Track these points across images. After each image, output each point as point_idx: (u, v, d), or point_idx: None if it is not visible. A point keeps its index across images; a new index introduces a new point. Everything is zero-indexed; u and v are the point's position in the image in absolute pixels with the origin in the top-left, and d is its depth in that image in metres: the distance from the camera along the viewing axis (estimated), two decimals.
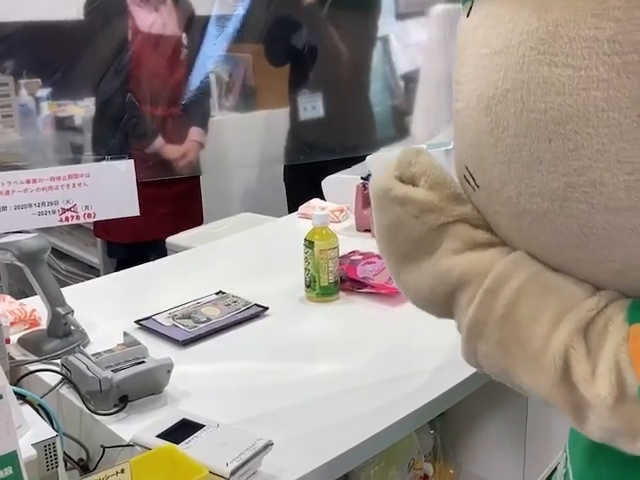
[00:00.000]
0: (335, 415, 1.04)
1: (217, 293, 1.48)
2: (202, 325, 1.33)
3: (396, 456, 1.23)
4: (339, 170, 2.36)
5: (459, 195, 0.68)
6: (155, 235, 2.34)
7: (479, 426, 1.48)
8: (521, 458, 1.42)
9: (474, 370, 1.13)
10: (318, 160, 2.27)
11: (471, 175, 0.65)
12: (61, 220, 0.97)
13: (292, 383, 1.15)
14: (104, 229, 2.58)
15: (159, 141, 2.25)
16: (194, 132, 2.37)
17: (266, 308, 1.40)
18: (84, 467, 1.05)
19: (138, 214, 1.00)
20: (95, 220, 1.04)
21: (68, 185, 0.94)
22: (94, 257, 2.91)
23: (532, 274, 0.62)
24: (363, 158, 2.24)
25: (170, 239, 2.13)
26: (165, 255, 2.00)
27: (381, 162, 0.73)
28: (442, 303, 0.68)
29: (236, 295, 1.45)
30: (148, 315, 1.38)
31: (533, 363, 0.61)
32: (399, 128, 2.77)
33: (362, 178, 1.92)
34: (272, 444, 0.90)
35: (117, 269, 1.90)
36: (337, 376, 1.16)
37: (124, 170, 0.95)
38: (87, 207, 0.97)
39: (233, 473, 0.84)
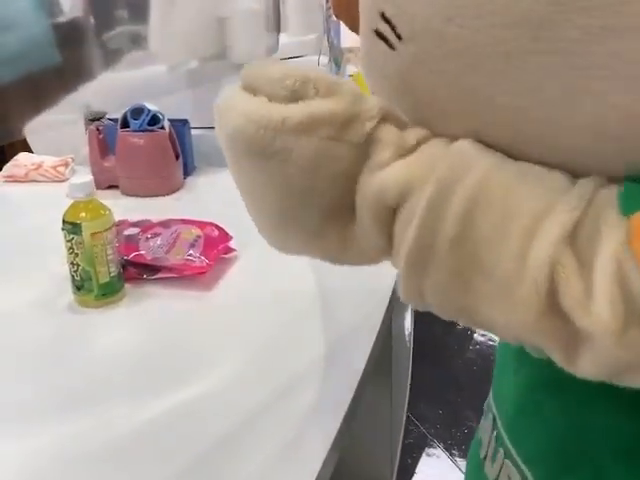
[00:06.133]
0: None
1: None
2: None
3: None
4: None
5: (360, 91, 0.48)
6: None
7: None
8: None
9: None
10: None
11: (390, 23, 0.45)
12: None
13: None
14: None
15: None
16: None
17: None
18: None
19: None
20: None
21: None
22: None
23: (487, 169, 0.43)
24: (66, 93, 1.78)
25: None
26: None
27: (223, 94, 0.46)
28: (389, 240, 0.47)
29: None
30: None
31: (505, 294, 0.42)
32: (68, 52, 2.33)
33: (90, 120, 1.47)
34: None
35: None
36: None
37: None
38: None
39: None
